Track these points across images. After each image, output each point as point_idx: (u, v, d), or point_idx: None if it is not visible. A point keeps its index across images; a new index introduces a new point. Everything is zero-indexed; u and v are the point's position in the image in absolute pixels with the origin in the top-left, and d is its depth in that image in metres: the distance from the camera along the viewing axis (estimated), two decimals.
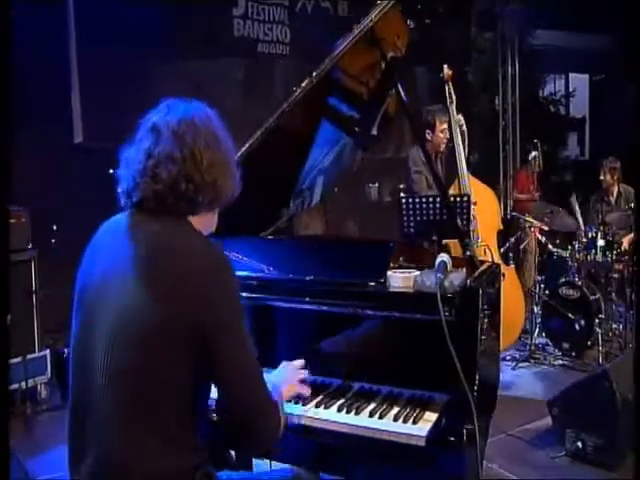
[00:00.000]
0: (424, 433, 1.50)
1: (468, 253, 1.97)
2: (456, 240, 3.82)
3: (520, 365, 4.47)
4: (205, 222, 1.40)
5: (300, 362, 1.68)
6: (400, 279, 1.73)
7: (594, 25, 8.41)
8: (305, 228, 3.92)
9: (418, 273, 1.75)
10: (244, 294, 1.63)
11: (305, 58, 6.16)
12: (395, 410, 1.61)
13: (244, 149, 1.97)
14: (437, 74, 4.11)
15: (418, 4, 6.29)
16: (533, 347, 4.62)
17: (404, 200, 2.85)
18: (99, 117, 5.02)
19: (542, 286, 4.79)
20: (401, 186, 8.35)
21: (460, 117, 3.96)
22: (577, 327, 4.51)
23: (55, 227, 4.46)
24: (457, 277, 1.66)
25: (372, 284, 1.73)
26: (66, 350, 1.91)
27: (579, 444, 3.04)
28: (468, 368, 1.51)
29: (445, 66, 3.94)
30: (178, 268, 1.26)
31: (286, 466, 1.69)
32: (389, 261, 1.80)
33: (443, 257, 1.71)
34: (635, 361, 2.98)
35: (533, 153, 5.75)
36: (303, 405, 1.66)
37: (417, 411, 1.59)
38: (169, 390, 1.25)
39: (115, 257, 1.32)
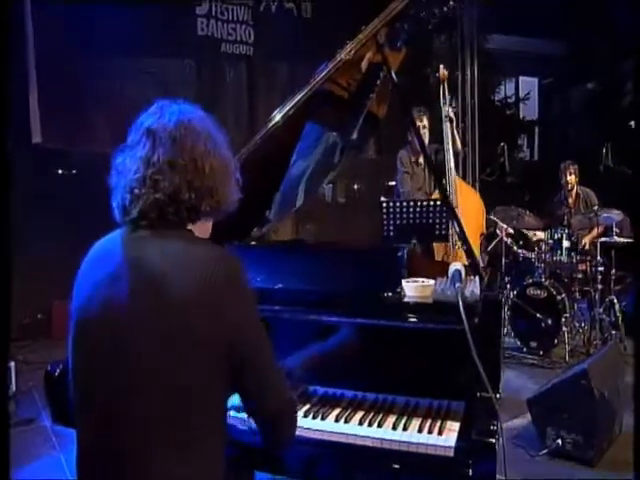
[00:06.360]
0: (452, 443, 1.49)
1: (472, 260, 1.98)
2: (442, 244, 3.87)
3: None
4: (203, 230, 1.33)
5: None
6: (418, 289, 1.72)
7: (544, 30, 8.70)
8: (275, 232, 3.87)
9: (433, 282, 1.75)
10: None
11: (268, 58, 6.13)
12: (417, 421, 1.60)
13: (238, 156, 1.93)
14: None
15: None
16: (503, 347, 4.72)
17: (385, 204, 2.86)
18: (58, 117, 4.83)
19: (509, 287, 4.91)
20: (355, 187, 8.41)
21: (449, 108, 3.96)
22: (544, 326, 4.65)
23: None
24: (476, 286, 1.67)
25: (389, 294, 1.72)
26: (58, 369, 1.81)
27: (559, 441, 3.12)
28: (493, 373, 1.52)
29: (441, 66, 3.95)
30: (200, 283, 1.18)
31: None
32: (403, 270, 1.79)
33: (457, 266, 1.71)
34: (635, 365, 3.07)
35: None
36: (322, 420, 1.63)
37: (439, 421, 1.59)
38: (203, 409, 1.19)
39: (120, 280, 1.20)
